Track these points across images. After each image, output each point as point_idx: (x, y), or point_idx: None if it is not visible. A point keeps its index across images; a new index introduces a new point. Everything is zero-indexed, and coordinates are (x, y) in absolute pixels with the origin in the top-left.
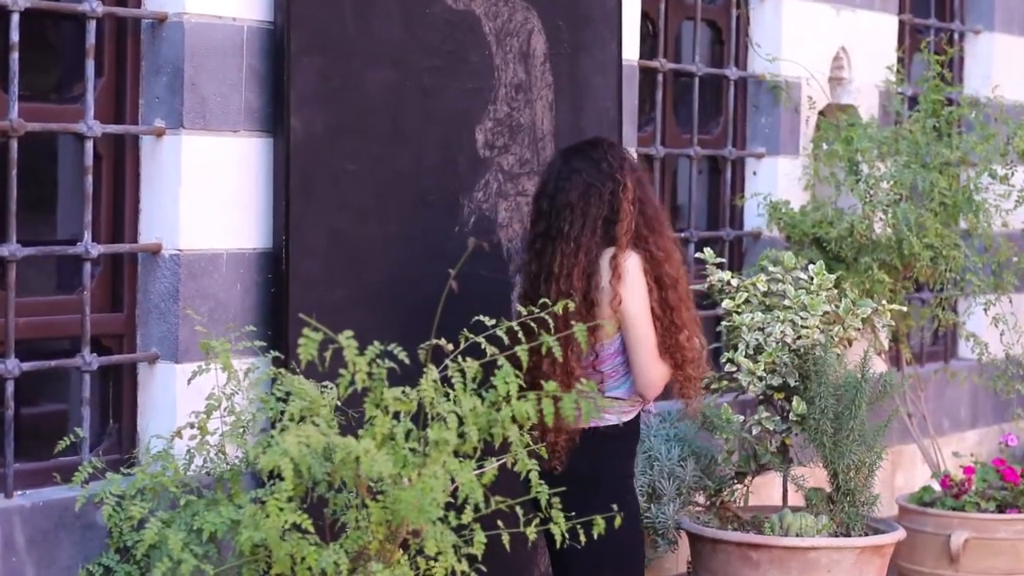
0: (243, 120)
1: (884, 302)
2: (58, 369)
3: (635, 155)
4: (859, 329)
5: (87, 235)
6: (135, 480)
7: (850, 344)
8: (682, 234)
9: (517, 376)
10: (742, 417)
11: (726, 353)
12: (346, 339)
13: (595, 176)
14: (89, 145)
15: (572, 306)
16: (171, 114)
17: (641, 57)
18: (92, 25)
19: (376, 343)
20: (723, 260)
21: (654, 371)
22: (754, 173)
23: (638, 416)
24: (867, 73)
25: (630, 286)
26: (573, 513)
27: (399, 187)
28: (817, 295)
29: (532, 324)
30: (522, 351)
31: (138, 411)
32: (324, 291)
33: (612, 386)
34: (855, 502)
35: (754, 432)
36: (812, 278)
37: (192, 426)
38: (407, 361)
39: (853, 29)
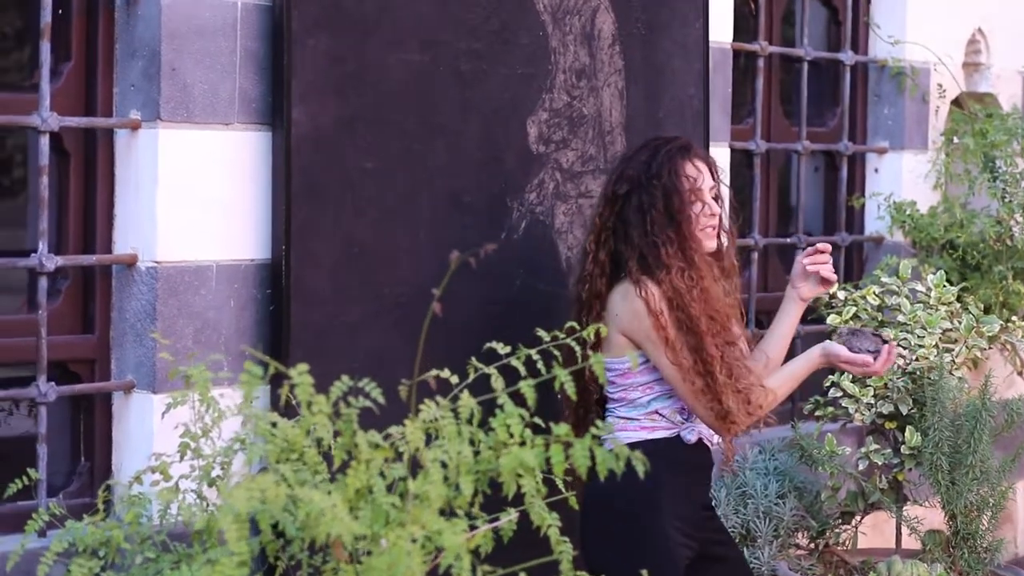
0: (236, 111)
1: (1016, 317)
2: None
3: (724, 152)
4: (985, 349)
5: (42, 245)
6: (86, 534)
7: (975, 365)
8: (788, 239)
9: (523, 417)
10: (849, 449)
11: (830, 376)
12: (299, 374)
13: (634, 184)
14: (44, 141)
15: (604, 331)
16: (147, 104)
17: (739, 39)
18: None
19: (344, 377)
20: None
21: (699, 412)
22: (875, 170)
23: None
24: (1009, 57)
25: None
26: None
27: (430, 188)
28: (936, 310)
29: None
30: (527, 387)
31: (112, 447)
32: (334, 309)
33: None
34: (976, 547)
35: (861, 467)
36: (930, 290)
37: (153, 470)
38: (381, 400)
39: (993, 8)
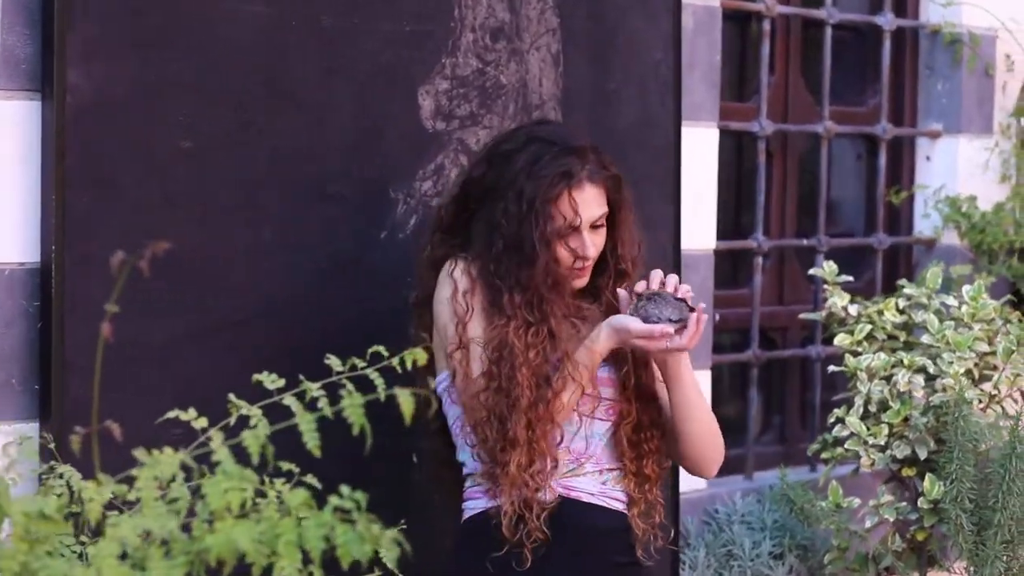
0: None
1: None
2: None
3: (711, 133)
4: None
5: None
6: None
7: None
8: (805, 242)
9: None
10: (858, 501)
11: (836, 411)
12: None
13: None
14: None
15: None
16: None
17: None
18: None
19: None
20: (848, 278)
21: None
22: (927, 158)
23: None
24: None
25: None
26: None
27: (277, 174)
28: (969, 329)
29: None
30: (307, 422)
31: None
32: (131, 327)
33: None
34: None
35: (869, 523)
36: (962, 304)
37: None
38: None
39: None
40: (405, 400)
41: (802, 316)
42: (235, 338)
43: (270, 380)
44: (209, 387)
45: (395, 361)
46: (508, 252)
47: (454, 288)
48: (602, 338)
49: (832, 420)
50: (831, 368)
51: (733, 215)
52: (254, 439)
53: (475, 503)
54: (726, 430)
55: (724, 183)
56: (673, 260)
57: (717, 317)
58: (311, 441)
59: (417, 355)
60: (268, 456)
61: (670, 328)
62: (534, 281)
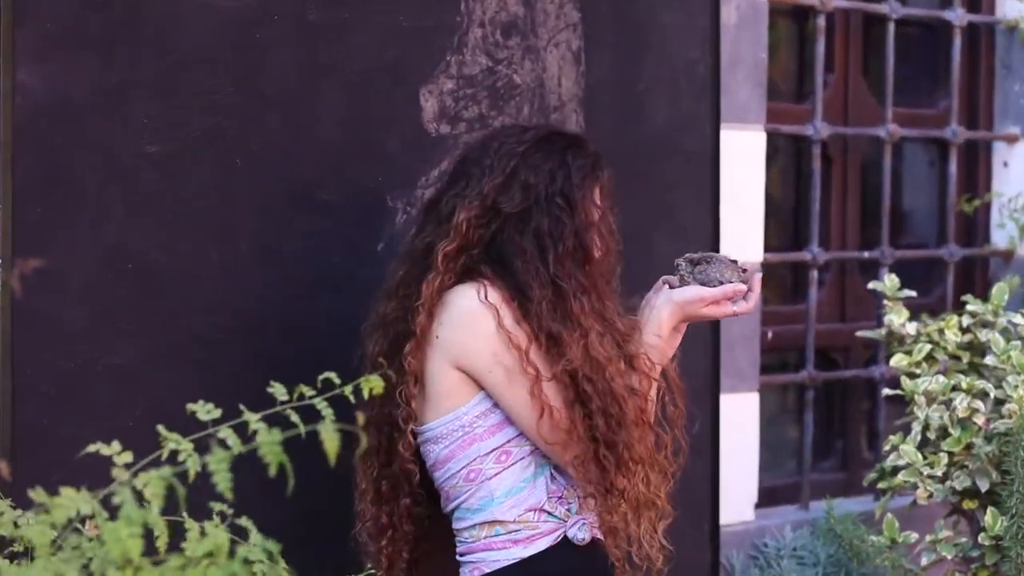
0: None
1: None
2: None
3: (758, 137)
4: None
5: None
6: None
7: None
8: (867, 254)
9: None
10: (915, 535)
11: (891, 438)
12: None
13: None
14: None
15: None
16: None
17: None
18: None
19: None
20: (911, 293)
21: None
22: (1004, 164)
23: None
24: None
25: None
26: None
27: (257, 181)
28: None
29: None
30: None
31: None
32: (91, 347)
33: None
34: None
35: (926, 560)
36: None
37: None
38: None
39: None
40: (329, 438)
41: (859, 335)
42: (208, 359)
43: (205, 411)
44: (178, 412)
45: (347, 390)
46: (565, 254)
47: (497, 318)
48: (665, 319)
49: (887, 448)
50: (885, 391)
51: (790, 225)
52: (157, 479)
53: (500, 554)
54: (779, 455)
55: (778, 191)
56: None
57: (770, 335)
58: (222, 483)
59: (373, 383)
60: (179, 497)
61: (742, 286)
62: (594, 281)
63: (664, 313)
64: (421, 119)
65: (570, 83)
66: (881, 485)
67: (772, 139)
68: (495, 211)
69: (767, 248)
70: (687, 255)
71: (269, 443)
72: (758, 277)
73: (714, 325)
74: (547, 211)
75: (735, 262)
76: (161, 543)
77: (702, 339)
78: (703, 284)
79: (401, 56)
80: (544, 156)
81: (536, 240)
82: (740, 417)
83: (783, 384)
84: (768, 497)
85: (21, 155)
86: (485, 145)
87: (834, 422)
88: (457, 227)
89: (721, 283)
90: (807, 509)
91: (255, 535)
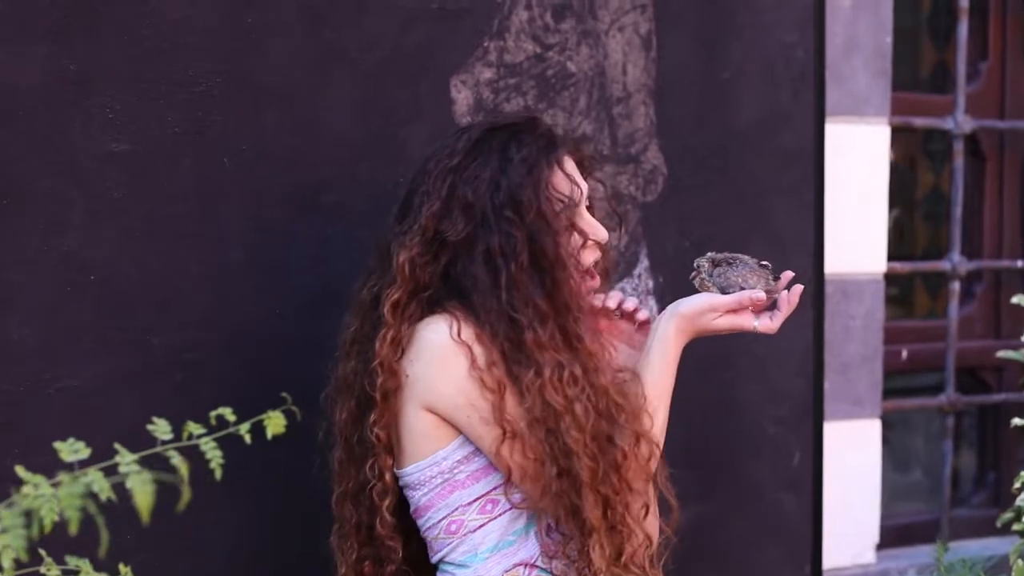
0: None
1: None
2: None
3: (881, 132)
4: None
5: None
6: None
7: None
8: (1020, 263)
9: None
10: None
11: (1022, 473)
12: None
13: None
14: None
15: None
16: None
17: None
18: None
19: None
20: None
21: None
22: None
23: None
24: None
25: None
26: None
27: (250, 183)
28: None
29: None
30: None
31: None
32: (46, 368)
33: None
34: None
35: None
36: None
37: None
38: None
39: None
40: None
41: (999, 355)
42: (186, 381)
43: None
44: (151, 441)
45: (243, 428)
46: (520, 273)
47: (470, 359)
48: (672, 335)
49: (1018, 485)
50: (1015, 421)
51: (931, 231)
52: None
53: None
54: (914, 489)
55: (916, 192)
56: (814, 289)
57: (904, 354)
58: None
59: (274, 420)
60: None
61: (761, 294)
62: (559, 299)
63: (670, 328)
64: (452, 112)
65: (638, 71)
66: (1016, 527)
67: (912, 135)
68: (441, 242)
69: (898, 257)
70: (710, 254)
71: (141, 482)
72: (797, 289)
73: (815, 343)
74: (496, 227)
75: (766, 266)
76: None
77: (797, 359)
78: (722, 290)
79: (427, 41)
80: (481, 163)
81: (487, 264)
82: (857, 447)
83: (924, 409)
84: (901, 536)
85: None
86: (422, 167)
87: (986, 451)
88: (400, 270)
89: (742, 290)
90: (946, 549)
91: None
